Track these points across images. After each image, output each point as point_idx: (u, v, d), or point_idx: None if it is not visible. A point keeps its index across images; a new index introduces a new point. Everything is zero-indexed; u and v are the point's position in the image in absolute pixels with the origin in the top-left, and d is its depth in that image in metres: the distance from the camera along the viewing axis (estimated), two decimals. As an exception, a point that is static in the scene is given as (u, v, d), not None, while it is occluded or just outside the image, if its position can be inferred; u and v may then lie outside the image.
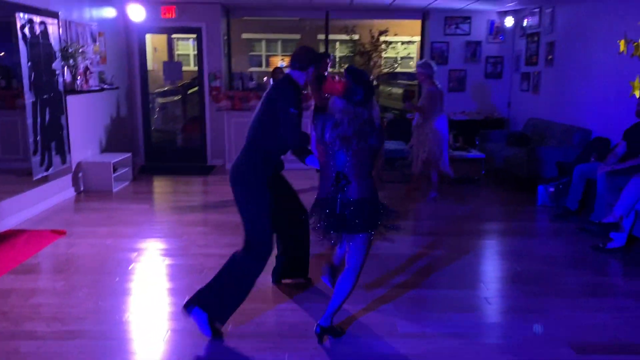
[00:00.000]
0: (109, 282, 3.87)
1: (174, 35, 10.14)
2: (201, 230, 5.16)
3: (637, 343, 3.06)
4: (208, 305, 3.04)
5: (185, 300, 3.14)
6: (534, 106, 8.46)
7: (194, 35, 8.68)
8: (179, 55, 12.84)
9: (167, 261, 4.33)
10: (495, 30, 9.34)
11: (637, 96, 5.74)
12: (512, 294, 3.79)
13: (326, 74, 6.18)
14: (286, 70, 3.30)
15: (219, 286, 3.07)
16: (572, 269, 4.27)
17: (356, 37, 12.87)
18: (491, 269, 4.39)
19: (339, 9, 9.05)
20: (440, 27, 9.30)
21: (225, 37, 8.73)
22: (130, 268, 4.16)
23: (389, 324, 3.25)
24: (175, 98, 10.58)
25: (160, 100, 10.00)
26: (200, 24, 8.38)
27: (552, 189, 6.15)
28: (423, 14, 9.45)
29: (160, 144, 9.05)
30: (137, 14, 7.86)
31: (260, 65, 16.12)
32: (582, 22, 7.06)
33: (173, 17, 8.31)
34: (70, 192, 6.42)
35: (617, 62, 6.11)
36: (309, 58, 3.20)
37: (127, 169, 7.27)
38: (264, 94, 3.23)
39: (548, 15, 8.00)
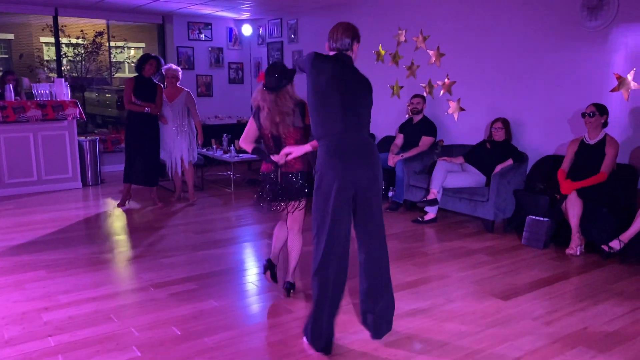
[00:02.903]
0: None
1: None
2: (37, 276, 4.10)
3: (525, 282, 4.00)
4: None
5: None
6: (284, 108, 9.25)
7: None
8: None
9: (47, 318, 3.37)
10: (234, 37, 9.79)
11: (398, 97, 7.08)
12: (404, 270, 4.33)
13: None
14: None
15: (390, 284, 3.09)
16: (417, 241, 5.10)
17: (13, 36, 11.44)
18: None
19: (75, 7, 8.04)
20: (184, 31, 9.24)
21: None
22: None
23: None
24: None
25: None
26: None
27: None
28: (163, 18, 9.20)
29: None
30: None
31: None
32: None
33: None
34: None
35: (376, 69, 7.33)
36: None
37: None
38: (353, 75, 2.94)
39: (292, 26, 8.86)
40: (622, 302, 3.65)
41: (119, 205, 6.33)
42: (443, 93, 6.47)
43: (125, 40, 11.51)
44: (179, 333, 3.16)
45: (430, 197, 5.47)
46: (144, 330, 3.20)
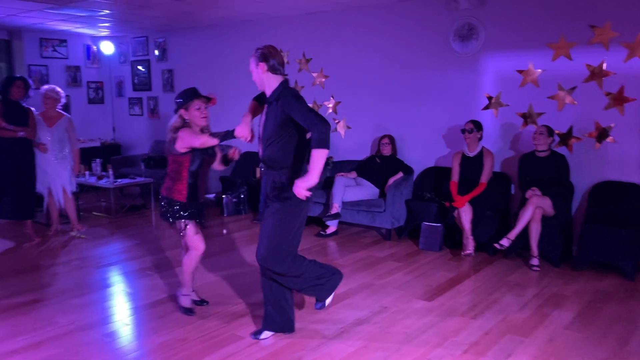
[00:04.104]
0: None
1: None
2: None
3: (439, 283, 4.43)
4: None
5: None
6: (155, 130, 8.89)
7: None
8: None
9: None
10: (93, 55, 9.19)
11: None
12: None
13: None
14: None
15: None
16: (327, 254, 5.33)
17: None
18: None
19: None
20: (36, 48, 8.45)
21: None
22: None
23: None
24: None
25: None
26: None
27: (235, 200, 6.98)
28: (10, 33, 8.31)
29: None
30: None
31: None
32: (206, 50, 8.03)
33: None
34: None
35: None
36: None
37: None
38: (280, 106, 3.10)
39: (160, 44, 8.59)
40: (522, 292, 4.25)
41: (-14, 245, 5.58)
42: (329, 112, 6.81)
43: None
44: None
45: (333, 211, 5.74)
46: (95, 378, 2.95)
